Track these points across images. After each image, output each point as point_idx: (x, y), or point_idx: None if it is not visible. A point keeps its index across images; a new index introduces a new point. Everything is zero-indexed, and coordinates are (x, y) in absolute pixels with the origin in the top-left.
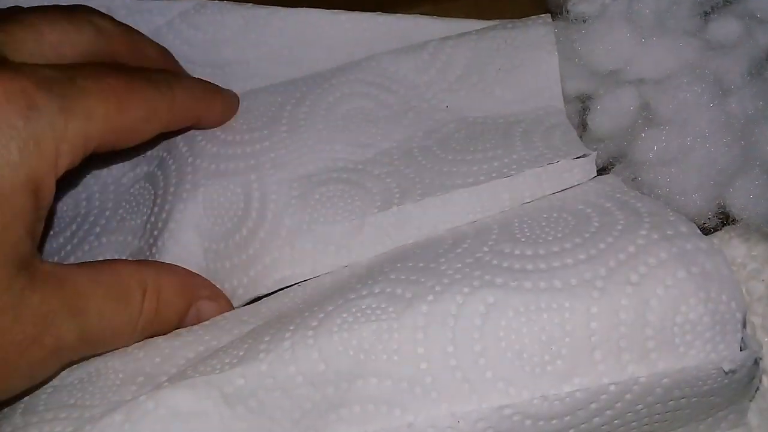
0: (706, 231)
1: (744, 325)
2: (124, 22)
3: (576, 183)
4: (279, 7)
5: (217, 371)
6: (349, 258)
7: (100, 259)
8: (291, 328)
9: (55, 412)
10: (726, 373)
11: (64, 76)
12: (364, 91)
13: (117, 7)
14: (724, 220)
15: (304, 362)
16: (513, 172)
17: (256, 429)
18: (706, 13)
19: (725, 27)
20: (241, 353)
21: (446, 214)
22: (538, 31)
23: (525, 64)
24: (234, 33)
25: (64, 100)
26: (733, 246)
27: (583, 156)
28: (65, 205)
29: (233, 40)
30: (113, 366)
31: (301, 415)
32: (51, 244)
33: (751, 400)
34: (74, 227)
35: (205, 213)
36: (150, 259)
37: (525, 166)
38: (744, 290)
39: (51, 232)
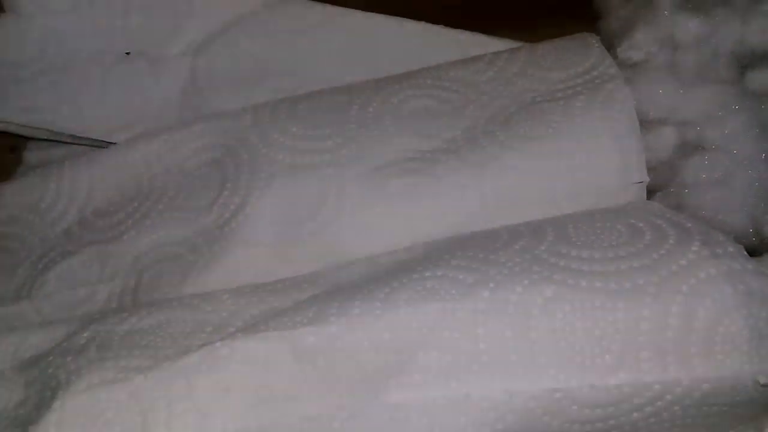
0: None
1: None
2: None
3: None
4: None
5: (289, 328)
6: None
7: (162, 233)
8: (359, 297)
9: (129, 350)
10: (762, 386)
11: None
12: (426, 92)
13: None
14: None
15: (371, 329)
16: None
17: (321, 385)
18: (744, 66)
19: (764, 77)
20: (310, 314)
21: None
22: (582, 37)
23: (573, 49)
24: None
25: None
26: None
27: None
28: (128, 184)
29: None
30: (182, 316)
31: (363, 377)
32: (111, 219)
33: None
34: (136, 204)
35: (280, 201)
36: (220, 240)
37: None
38: None
39: (111, 208)
